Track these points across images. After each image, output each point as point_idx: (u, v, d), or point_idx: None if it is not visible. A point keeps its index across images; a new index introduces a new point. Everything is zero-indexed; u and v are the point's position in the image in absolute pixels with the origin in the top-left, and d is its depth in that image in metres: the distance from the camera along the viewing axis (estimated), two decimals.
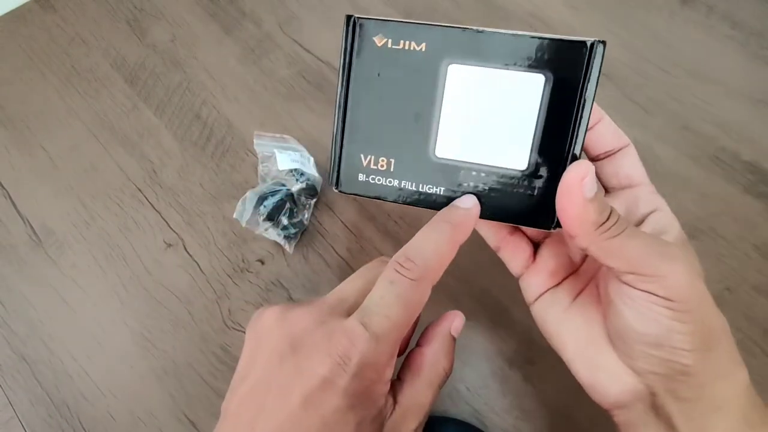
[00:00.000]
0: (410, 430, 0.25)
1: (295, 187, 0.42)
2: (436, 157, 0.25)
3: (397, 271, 0.24)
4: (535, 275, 0.29)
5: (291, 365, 0.24)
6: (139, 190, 0.47)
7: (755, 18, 0.55)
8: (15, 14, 0.57)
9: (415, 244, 0.25)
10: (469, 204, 0.25)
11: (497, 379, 0.38)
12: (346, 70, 0.26)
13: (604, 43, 0.25)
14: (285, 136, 0.44)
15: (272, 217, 0.41)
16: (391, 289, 0.24)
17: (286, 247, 0.42)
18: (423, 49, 0.25)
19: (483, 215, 0.25)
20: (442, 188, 0.25)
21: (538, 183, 0.24)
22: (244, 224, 0.41)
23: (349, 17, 0.26)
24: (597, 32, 0.55)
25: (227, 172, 0.47)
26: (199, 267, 0.43)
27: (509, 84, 0.24)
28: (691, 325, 0.24)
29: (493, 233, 0.30)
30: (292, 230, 0.42)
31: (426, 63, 0.25)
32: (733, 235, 0.44)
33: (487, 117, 0.25)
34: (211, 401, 0.38)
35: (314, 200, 0.44)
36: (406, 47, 0.26)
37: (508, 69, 0.24)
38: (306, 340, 0.24)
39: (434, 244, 0.25)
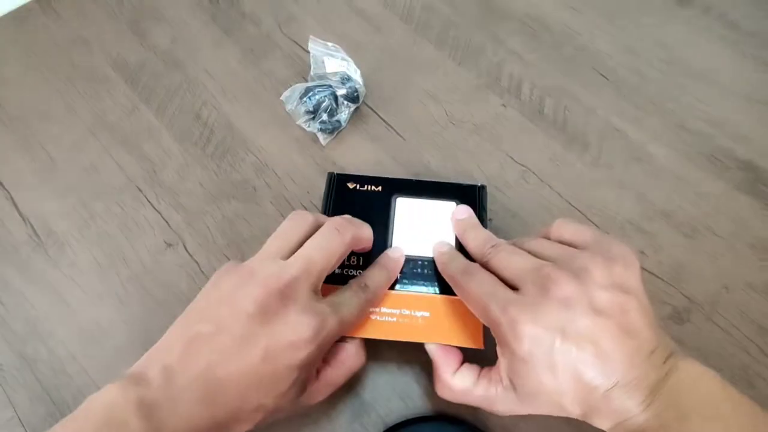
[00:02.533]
0: (318, 400, 0.33)
1: (340, 91, 0.48)
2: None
3: (361, 289, 0.34)
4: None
5: (261, 326, 0.29)
6: (140, 190, 0.47)
7: (750, 19, 0.55)
8: (15, 15, 0.58)
9: (371, 276, 0.36)
10: (397, 254, 0.38)
11: None
12: (330, 202, 0.41)
13: (485, 187, 0.42)
14: (336, 45, 0.49)
15: (314, 110, 0.47)
16: (355, 296, 0.34)
17: (321, 139, 0.48)
18: (380, 189, 0.41)
19: (429, 282, 0.38)
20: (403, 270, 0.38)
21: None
22: (288, 108, 0.49)
23: (330, 175, 0.42)
24: (593, 32, 0.55)
25: (227, 172, 0.48)
26: (199, 267, 0.43)
27: (435, 207, 0.41)
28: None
29: None
30: (329, 126, 0.48)
31: (382, 197, 0.41)
32: (728, 233, 0.44)
33: (424, 226, 0.40)
34: None
35: (355, 106, 0.49)
36: (369, 189, 0.41)
37: (433, 200, 0.41)
38: (280, 312, 0.30)
39: (379, 278, 0.36)
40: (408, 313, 0.37)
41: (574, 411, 0.30)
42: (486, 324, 0.32)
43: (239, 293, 0.30)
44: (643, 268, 0.42)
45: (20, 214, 0.46)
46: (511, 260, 0.33)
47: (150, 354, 0.30)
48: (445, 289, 0.37)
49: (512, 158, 0.48)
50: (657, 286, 0.42)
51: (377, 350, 0.40)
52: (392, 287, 0.37)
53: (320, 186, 0.42)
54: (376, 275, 0.36)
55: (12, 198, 0.47)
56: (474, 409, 0.37)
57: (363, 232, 0.36)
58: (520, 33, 0.55)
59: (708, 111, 0.50)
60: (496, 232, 0.44)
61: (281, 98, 0.49)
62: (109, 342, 0.41)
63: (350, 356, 0.34)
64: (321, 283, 0.33)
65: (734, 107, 0.50)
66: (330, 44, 0.49)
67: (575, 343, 0.28)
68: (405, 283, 0.38)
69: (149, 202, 0.46)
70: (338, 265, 0.34)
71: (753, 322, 0.40)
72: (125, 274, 0.43)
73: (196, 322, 0.30)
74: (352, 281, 0.35)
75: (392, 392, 0.38)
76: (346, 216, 0.36)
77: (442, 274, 0.37)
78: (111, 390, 0.27)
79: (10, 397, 0.39)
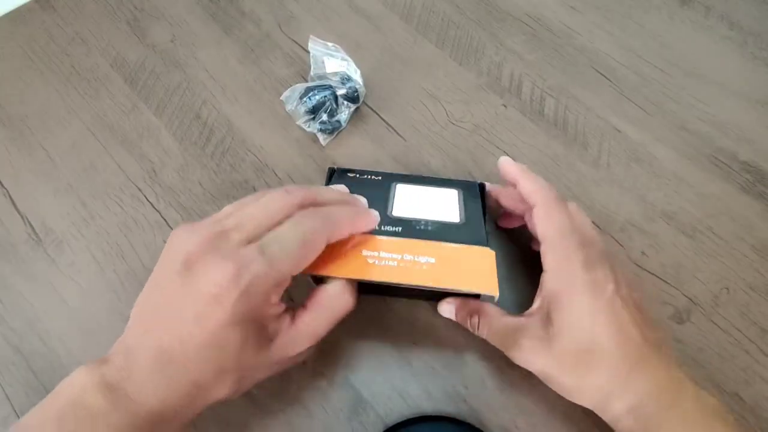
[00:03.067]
0: (298, 350, 0.30)
1: (340, 91, 0.48)
2: (392, 215, 0.38)
3: (304, 217, 0.30)
4: None
5: (185, 284, 0.27)
6: (139, 189, 0.47)
7: (753, 19, 0.55)
8: (15, 14, 0.57)
9: (329, 207, 0.32)
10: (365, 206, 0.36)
11: (496, 377, 0.38)
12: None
13: (484, 185, 0.42)
14: (336, 45, 0.49)
15: (314, 110, 0.47)
16: (294, 228, 0.30)
17: (321, 140, 0.48)
18: (380, 179, 0.41)
19: (433, 238, 0.36)
20: (400, 228, 0.37)
21: (466, 226, 0.38)
22: (288, 108, 0.48)
23: (330, 169, 0.42)
24: (594, 32, 0.55)
25: (227, 171, 0.47)
26: None
27: (437, 192, 0.41)
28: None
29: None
30: (329, 126, 0.48)
31: (381, 183, 0.41)
32: (730, 234, 0.44)
33: (426, 201, 0.40)
34: None
35: (355, 106, 0.49)
36: (368, 177, 0.41)
37: (436, 187, 0.41)
38: (200, 261, 0.28)
39: (343, 214, 0.33)
40: (411, 258, 0.34)
41: (595, 377, 0.31)
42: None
43: (171, 250, 0.29)
44: (644, 269, 0.43)
45: (19, 212, 0.46)
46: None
47: (121, 337, 0.29)
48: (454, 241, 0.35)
49: (513, 159, 0.48)
50: (658, 287, 0.42)
51: (378, 350, 0.39)
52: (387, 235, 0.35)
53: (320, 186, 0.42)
54: (339, 209, 0.33)
55: (11, 196, 0.46)
56: (474, 409, 0.37)
57: (340, 234, 0.33)
58: (521, 33, 0.55)
59: (709, 111, 0.50)
60: (497, 232, 0.44)
61: (281, 98, 0.49)
62: (106, 339, 0.40)
63: (331, 298, 0.31)
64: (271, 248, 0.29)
65: (735, 108, 0.50)
66: (330, 44, 0.49)
67: (623, 301, 0.32)
68: (404, 236, 0.35)
69: (149, 201, 0.46)
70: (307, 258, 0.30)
71: (754, 323, 0.40)
72: (123, 272, 0.43)
73: (148, 294, 0.30)
74: (301, 209, 0.31)
75: (392, 391, 0.38)
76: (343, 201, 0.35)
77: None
78: (78, 372, 0.27)
79: (8, 393, 0.39)
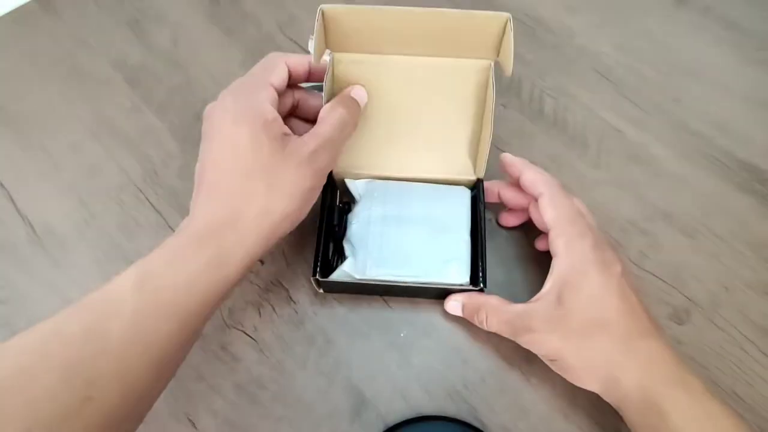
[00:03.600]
0: (311, 148, 0.33)
1: None
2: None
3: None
4: None
5: (206, 125, 0.34)
6: (140, 190, 0.47)
7: (750, 19, 0.56)
8: (16, 15, 0.57)
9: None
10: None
11: (496, 377, 0.39)
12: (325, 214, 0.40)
13: (482, 180, 0.42)
14: None
15: None
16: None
17: None
18: None
19: None
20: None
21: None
22: None
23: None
24: (593, 32, 0.55)
25: None
26: None
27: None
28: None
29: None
30: None
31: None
32: (729, 234, 0.44)
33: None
34: (211, 400, 0.38)
35: None
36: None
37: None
38: (211, 107, 0.35)
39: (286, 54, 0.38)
40: None
41: (604, 350, 0.32)
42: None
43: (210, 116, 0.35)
44: (643, 269, 0.43)
45: (20, 213, 0.46)
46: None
47: None
48: None
49: None
50: (657, 287, 0.42)
51: (378, 350, 0.40)
52: None
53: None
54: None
55: (12, 198, 0.47)
56: (474, 409, 0.37)
57: (297, 58, 0.38)
58: (520, 33, 0.55)
59: (708, 111, 0.50)
60: (497, 234, 0.44)
61: None
62: None
63: (329, 111, 0.35)
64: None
65: (734, 107, 0.50)
66: None
67: (628, 282, 0.34)
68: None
69: (149, 202, 0.46)
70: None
71: (753, 323, 0.40)
72: None
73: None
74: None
75: (393, 391, 0.38)
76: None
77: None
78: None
79: None
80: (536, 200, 0.37)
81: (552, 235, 0.35)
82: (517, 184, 0.39)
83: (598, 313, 0.32)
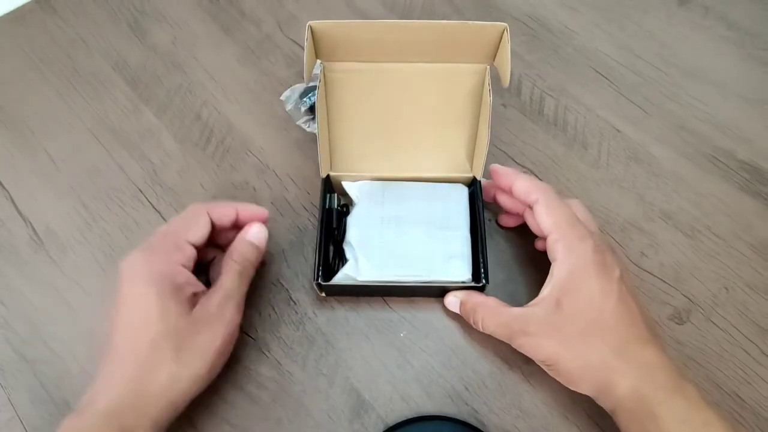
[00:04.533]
0: (216, 303, 0.33)
1: None
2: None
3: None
4: None
5: (117, 285, 0.33)
6: (140, 190, 0.47)
7: (751, 19, 0.55)
8: (15, 15, 0.57)
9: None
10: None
11: (496, 378, 0.39)
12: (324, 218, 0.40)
13: (478, 181, 0.42)
14: None
15: (313, 110, 0.46)
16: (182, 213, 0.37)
17: None
18: None
19: None
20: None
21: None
22: (288, 108, 0.48)
23: (325, 179, 0.41)
24: (593, 32, 0.55)
25: (228, 172, 0.48)
26: None
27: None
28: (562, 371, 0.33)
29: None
30: None
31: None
32: (729, 234, 0.44)
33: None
34: (210, 401, 0.38)
35: None
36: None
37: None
38: (122, 264, 0.34)
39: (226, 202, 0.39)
40: None
41: (601, 355, 0.31)
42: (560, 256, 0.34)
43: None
44: (643, 269, 0.43)
45: (21, 214, 0.46)
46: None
47: None
48: None
49: (513, 159, 0.48)
50: (657, 287, 0.42)
51: (378, 351, 0.40)
52: None
53: (319, 188, 0.42)
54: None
55: (12, 199, 0.47)
56: (474, 410, 0.37)
57: (221, 210, 0.38)
58: (521, 33, 0.55)
59: (708, 111, 0.50)
60: (497, 234, 0.44)
61: (281, 98, 0.49)
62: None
63: (226, 261, 0.36)
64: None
65: (734, 107, 0.50)
66: None
67: (626, 287, 0.33)
68: None
69: (150, 202, 0.46)
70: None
71: (753, 323, 0.40)
72: None
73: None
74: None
75: (393, 392, 0.38)
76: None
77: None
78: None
79: (11, 397, 0.39)
80: (530, 207, 0.37)
81: (550, 240, 0.35)
82: (510, 193, 0.39)
83: (595, 319, 0.32)
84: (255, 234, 0.38)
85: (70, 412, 0.31)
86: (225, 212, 0.38)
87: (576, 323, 0.32)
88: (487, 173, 0.41)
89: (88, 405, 0.30)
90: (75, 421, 0.30)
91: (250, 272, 0.37)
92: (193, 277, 0.34)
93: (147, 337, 0.31)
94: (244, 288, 0.36)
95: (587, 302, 0.32)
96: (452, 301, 0.39)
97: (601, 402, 0.33)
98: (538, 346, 0.33)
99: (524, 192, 0.37)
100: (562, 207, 0.35)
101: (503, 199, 0.41)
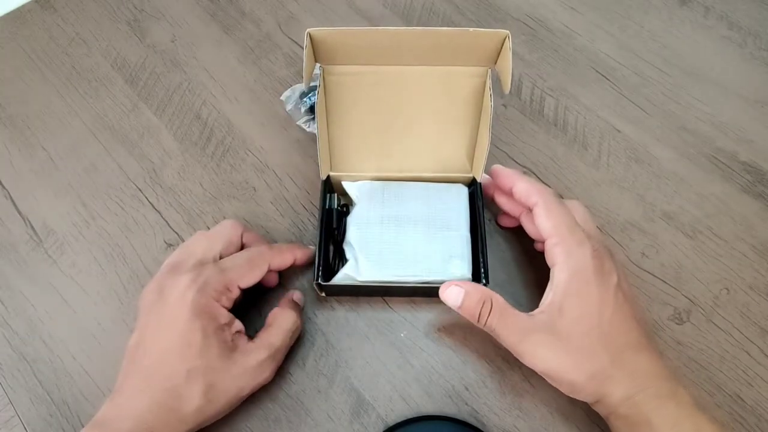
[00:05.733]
0: (256, 360, 0.34)
1: None
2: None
3: (252, 244, 0.39)
4: None
5: (159, 304, 0.33)
6: (139, 189, 0.47)
7: (752, 19, 0.55)
8: (15, 14, 0.57)
9: (259, 248, 0.38)
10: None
11: (496, 378, 0.39)
12: (324, 218, 0.40)
13: (478, 183, 0.41)
14: None
15: (313, 110, 0.46)
16: (244, 251, 0.38)
17: None
18: None
19: None
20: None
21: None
22: (288, 108, 0.48)
23: (325, 181, 0.41)
24: (594, 33, 0.55)
25: (227, 171, 0.47)
26: None
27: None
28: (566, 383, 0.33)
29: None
30: None
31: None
32: (730, 235, 0.44)
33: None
34: None
35: None
36: None
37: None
38: (166, 283, 0.34)
39: (285, 246, 0.40)
40: None
41: (602, 363, 0.31)
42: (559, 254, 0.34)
43: (147, 291, 0.35)
44: (644, 269, 0.43)
45: (20, 213, 0.46)
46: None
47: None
48: None
49: (513, 159, 0.48)
50: (658, 287, 0.42)
51: (378, 351, 0.40)
52: None
53: (319, 188, 0.42)
54: (269, 251, 0.39)
55: (11, 197, 0.46)
56: (474, 410, 0.37)
57: (282, 259, 0.38)
58: (521, 33, 0.55)
59: (709, 112, 0.50)
60: (497, 234, 0.44)
61: (281, 98, 0.49)
62: (109, 341, 0.41)
63: (279, 317, 0.37)
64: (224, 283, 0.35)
65: (736, 108, 0.50)
66: None
67: (623, 293, 0.33)
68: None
69: (149, 201, 0.46)
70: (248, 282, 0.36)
71: (755, 324, 0.40)
72: (125, 273, 0.43)
73: (130, 344, 0.34)
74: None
75: (393, 392, 0.38)
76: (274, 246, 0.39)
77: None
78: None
79: (11, 397, 0.39)
80: (529, 210, 0.37)
81: (549, 243, 0.34)
82: (510, 194, 0.38)
83: (594, 328, 0.32)
84: (299, 297, 0.40)
85: (88, 424, 0.31)
86: (284, 261, 0.38)
87: (577, 334, 0.32)
88: (488, 172, 0.41)
89: (112, 420, 0.31)
90: (114, 420, 0.31)
91: (296, 332, 0.38)
92: (233, 319, 0.35)
93: (184, 366, 0.31)
94: (287, 349, 0.37)
95: (586, 311, 0.32)
96: (455, 291, 0.34)
97: (596, 408, 0.33)
98: (543, 359, 0.32)
99: (524, 194, 0.36)
100: (562, 211, 0.35)
101: (502, 201, 0.41)
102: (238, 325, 0.35)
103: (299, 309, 0.39)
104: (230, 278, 0.35)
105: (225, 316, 0.34)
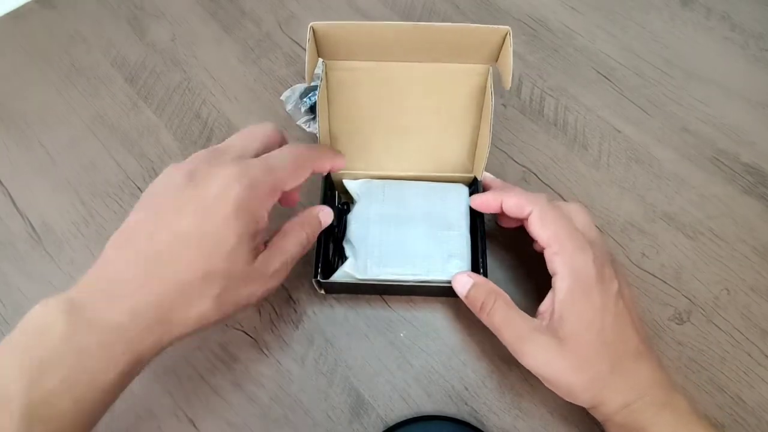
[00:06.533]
0: (276, 267, 0.32)
1: None
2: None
3: (296, 144, 0.35)
4: None
5: (190, 189, 0.29)
6: (138, 188, 0.47)
7: (754, 20, 0.55)
8: (16, 13, 0.57)
9: (302, 146, 0.35)
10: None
11: (495, 378, 0.38)
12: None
13: (479, 181, 0.41)
14: None
15: (314, 110, 0.46)
16: (289, 149, 0.34)
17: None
18: None
19: None
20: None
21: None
22: (288, 108, 0.48)
23: (326, 178, 0.41)
24: (595, 33, 0.55)
25: None
26: None
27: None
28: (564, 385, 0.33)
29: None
30: None
31: None
32: (731, 236, 0.44)
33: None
34: (209, 399, 0.38)
35: None
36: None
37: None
38: (202, 170, 0.30)
39: (325, 148, 0.38)
40: None
41: (601, 370, 0.31)
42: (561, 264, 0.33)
43: (171, 173, 0.31)
44: (644, 270, 0.42)
45: (18, 210, 0.46)
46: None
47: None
48: None
49: (513, 159, 0.48)
50: (658, 288, 0.42)
51: (378, 350, 0.39)
52: None
53: (320, 186, 0.42)
54: (313, 149, 0.37)
55: (10, 194, 0.46)
56: (474, 410, 0.37)
57: (323, 162, 0.36)
58: (521, 33, 0.55)
59: (710, 113, 0.50)
60: (497, 234, 0.44)
61: (281, 98, 0.49)
62: None
63: (292, 228, 0.34)
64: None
65: (738, 109, 0.50)
66: None
67: (623, 300, 0.33)
68: None
69: None
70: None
71: (755, 325, 0.40)
72: None
73: (138, 210, 0.30)
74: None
75: (392, 392, 0.38)
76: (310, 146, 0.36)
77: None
78: (43, 301, 0.27)
79: None
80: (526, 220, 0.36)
81: (549, 252, 0.34)
82: (501, 211, 0.38)
83: (594, 334, 0.32)
84: (325, 216, 0.37)
85: (57, 298, 0.28)
86: (324, 165, 0.36)
87: (577, 341, 0.32)
88: (488, 172, 0.41)
89: (98, 308, 0.27)
90: (101, 306, 0.27)
91: (308, 248, 0.35)
92: (269, 227, 0.32)
93: (204, 267, 0.28)
94: (297, 258, 0.34)
95: (587, 319, 0.32)
96: (464, 279, 0.36)
97: (592, 413, 0.33)
98: (543, 362, 0.32)
99: (515, 209, 0.36)
100: (558, 217, 0.34)
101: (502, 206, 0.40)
102: (269, 235, 0.33)
103: (317, 226, 0.36)
104: (278, 178, 0.31)
105: (264, 220, 0.31)
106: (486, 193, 0.38)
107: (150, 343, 0.28)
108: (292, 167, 0.33)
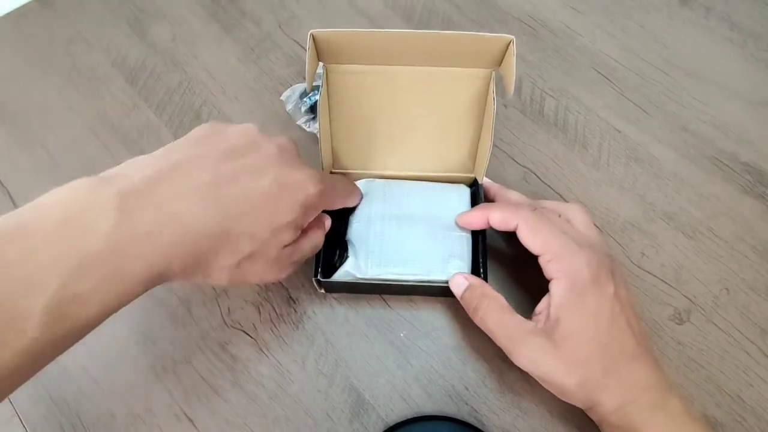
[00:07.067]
0: (293, 260, 0.33)
1: None
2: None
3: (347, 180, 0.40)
4: None
5: (276, 164, 0.30)
6: None
7: (753, 20, 0.55)
8: (16, 13, 0.57)
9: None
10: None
11: (495, 378, 0.38)
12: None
13: (479, 184, 0.42)
14: None
15: (314, 110, 0.46)
16: (344, 180, 0.39)
17: None
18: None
19: None
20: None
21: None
22: (288, 108, 0.48)
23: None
24: (594, 33, 0.55)
25: None
26: None
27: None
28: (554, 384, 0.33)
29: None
30: None
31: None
32: (731, 235, 0.44)
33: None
34: (209, 398, 0.38)
35: None
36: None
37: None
38: (289, 154, 0.32)
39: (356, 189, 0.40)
40: None
41: (594, 372, 0.31)
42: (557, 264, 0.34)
43: (255, 135, 0.31)
44: (644, 269, 0.43)
45: None
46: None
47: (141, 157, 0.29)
48: None
49: (513, 159, 0.48)
50: (658, 287, 0.42)
51: (378, 350, 0.39)
52: None
53: None
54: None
55: (10, 195, 0.46)
56: (474, 410, 0.37)
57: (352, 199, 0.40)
58: (522, 33, 0.55)
59: (710, 113, 0.50)
60: (497, 234, 0.44)
61: (281, 98, 0.49)
62: (108, 340, 0.40)
63: (312, 230, 0.35)
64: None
65: (737, 109, 0.50)
66: None
67: (620, 303, 0.33)
68: None
69: None
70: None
71: (755, 325, 0.40)
72: None
73: (200, 150, 0.29)
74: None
75: (393, 392, 0.38)
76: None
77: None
78: (90, 185, 0.25)
79: (10, 396, 0.39)
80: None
81: (543, 260, 0.34)
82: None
83: (589, 337, 0.32)
84: (327, 221, 0.37)
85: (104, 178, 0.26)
86: (357, 202, 0.40)
87: (572, 343, 0.32)
88: (489, 175, 0.41)
89: (167, 214, 0.26)
90: (149, 218, 0.25)
91: (318, 249, 0.36)
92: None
93: (253, 229, 0.29)
94: (309, 257, 0.36)
95: (582, 323, 0.32)
96: (460, 280, 0.36)
97: (588, 414, 0.34)
98: (537, 362, 0.33)
99: (502, 224, 0.36)
100: (544, 225, 0.34)
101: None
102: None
103: (324, 232, 0.37)
104: (332, 200, 0.36)
105: (304, 226, 0.33)
106: (471, 210, 0.38)
107: (175, 269, 0.27)
108: (341, 197, 0.37)
